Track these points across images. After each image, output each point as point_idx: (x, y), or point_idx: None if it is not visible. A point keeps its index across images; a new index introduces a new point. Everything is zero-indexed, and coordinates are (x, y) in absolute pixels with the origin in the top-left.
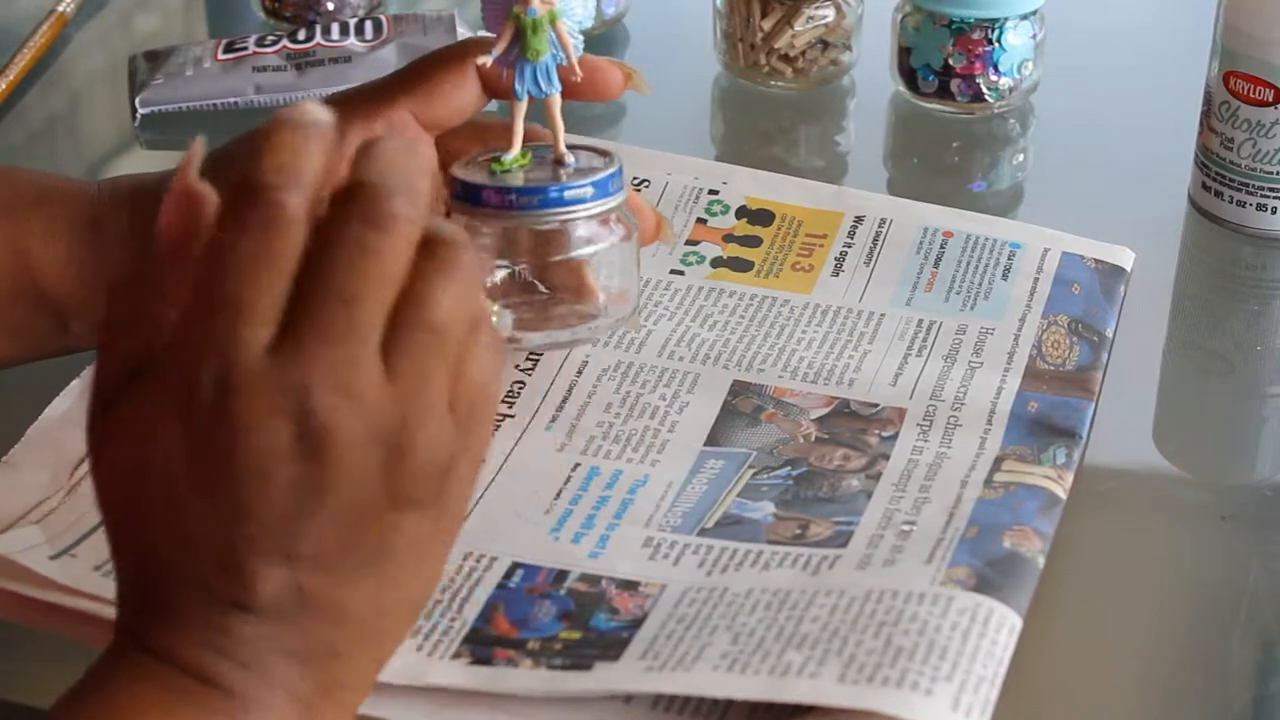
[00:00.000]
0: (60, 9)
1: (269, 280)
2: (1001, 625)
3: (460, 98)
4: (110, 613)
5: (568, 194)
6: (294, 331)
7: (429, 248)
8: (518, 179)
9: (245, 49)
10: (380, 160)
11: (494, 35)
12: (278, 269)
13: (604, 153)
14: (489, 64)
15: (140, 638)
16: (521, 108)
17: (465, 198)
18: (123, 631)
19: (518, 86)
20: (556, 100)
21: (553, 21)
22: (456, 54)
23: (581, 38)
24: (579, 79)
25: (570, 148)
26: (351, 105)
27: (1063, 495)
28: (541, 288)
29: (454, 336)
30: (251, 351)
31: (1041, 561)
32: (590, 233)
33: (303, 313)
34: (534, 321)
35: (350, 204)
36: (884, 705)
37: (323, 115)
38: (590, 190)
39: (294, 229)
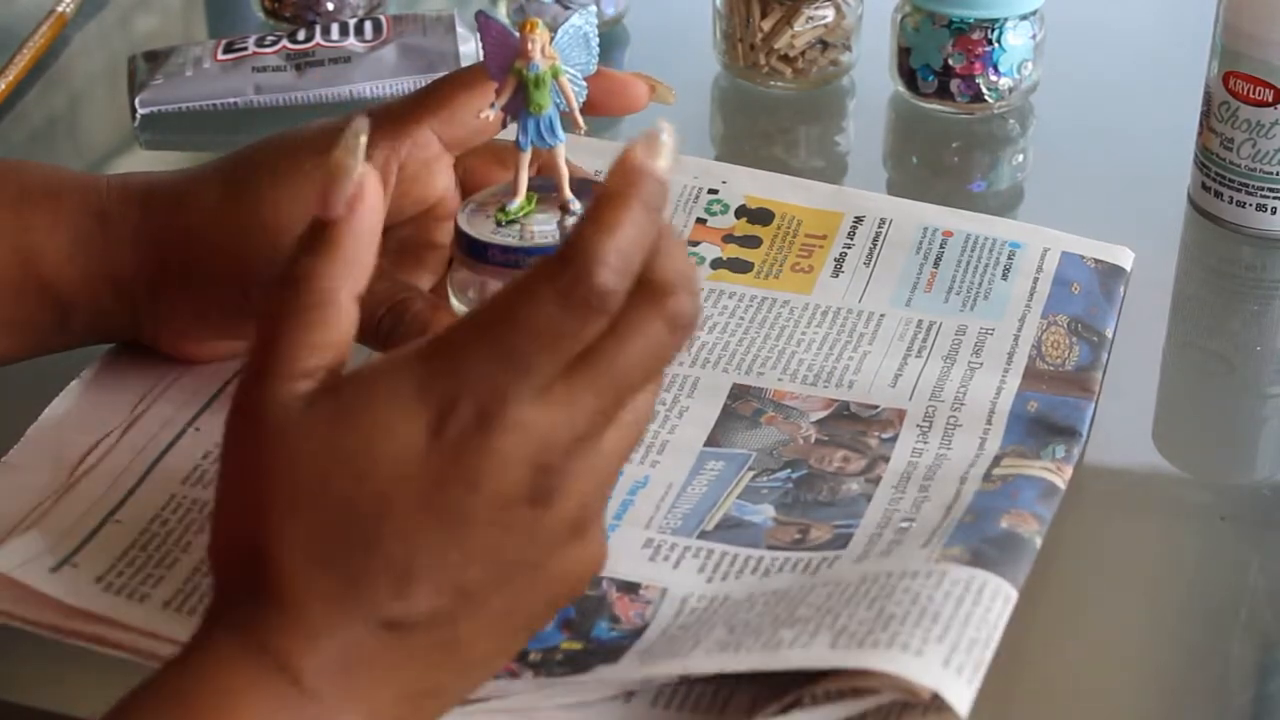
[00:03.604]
0: (60, 9)
1: (565, 352)
2: (996, 595)
3: (481, 120)
4: (111, 634)
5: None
6: (569, 394)
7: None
8: (526, 231)
9: (245, 49)
10: (686, 266)
11: (493, 75)
12: (577, 345)
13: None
14: (490, 117)
15: (247, 628)
16: (525, 158)
17: (470, 252)
18: (219, 620)
19: (521, 138)
20: (561, 151)
21: (555, 76)
22: (478, 76)
23: (585, 85)
24: (584, 132)
25: (576, 181)
26: (376, 123)
27: (1061, 485)
28: None
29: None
30: (523, 402)
31: (1039, 541)
32: None
33: (584, 382)
34: None
35: (663, 304)
36: (874, 664)
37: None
38: None
39: (608, 316)
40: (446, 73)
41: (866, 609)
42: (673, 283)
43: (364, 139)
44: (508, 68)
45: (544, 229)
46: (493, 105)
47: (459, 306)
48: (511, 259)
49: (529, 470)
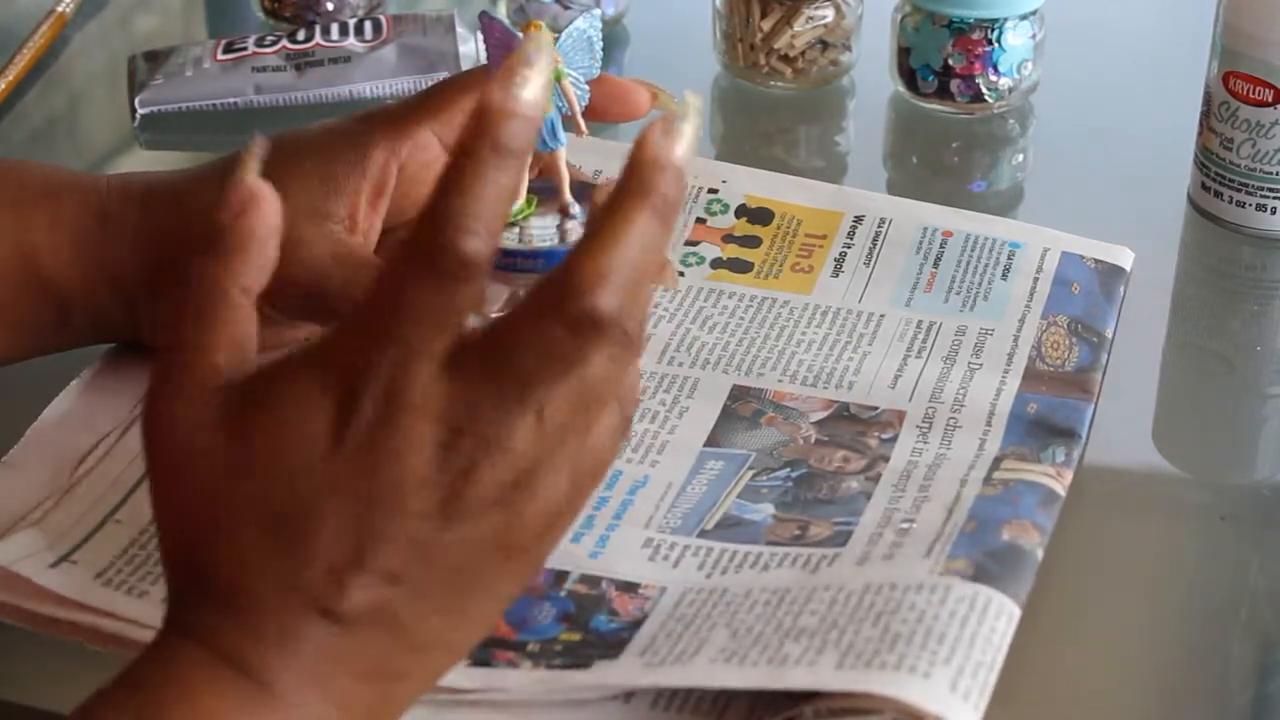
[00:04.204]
0: (60, 9)
1: (447, 327)
2: (1000, 613)
3: None
4: (110, 625)
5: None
6: (466, 374)
7: (629, 346)
8: (527, 234)
9: (245, 49)
10: (607, 262)
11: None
12: (457, 316)
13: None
14: None
15: (200, 632)
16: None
17: None
18: (176, 626)
19: None
20: (562, 154)
21: (558, 79)
22: (478, 79)
23: (587, 89)
24: (585, 134)
25: (576, 184)
26: (376, 124)
27: (1061, 492)
28: None
29: (600, 404)
30: (422, 381)
31: (1040, 554)
32: None
33: (479, 362)
34: None
35: (560, 304)
36: (881, 688)
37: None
38: None
39: (478, 280)
40: (447, 74)
41: (872, 625)
42: (579, 283)
43: (257, 160)
44: None
45: (543, 232)
46: None
47: None
48: (509, 261)
49: (433, 449)
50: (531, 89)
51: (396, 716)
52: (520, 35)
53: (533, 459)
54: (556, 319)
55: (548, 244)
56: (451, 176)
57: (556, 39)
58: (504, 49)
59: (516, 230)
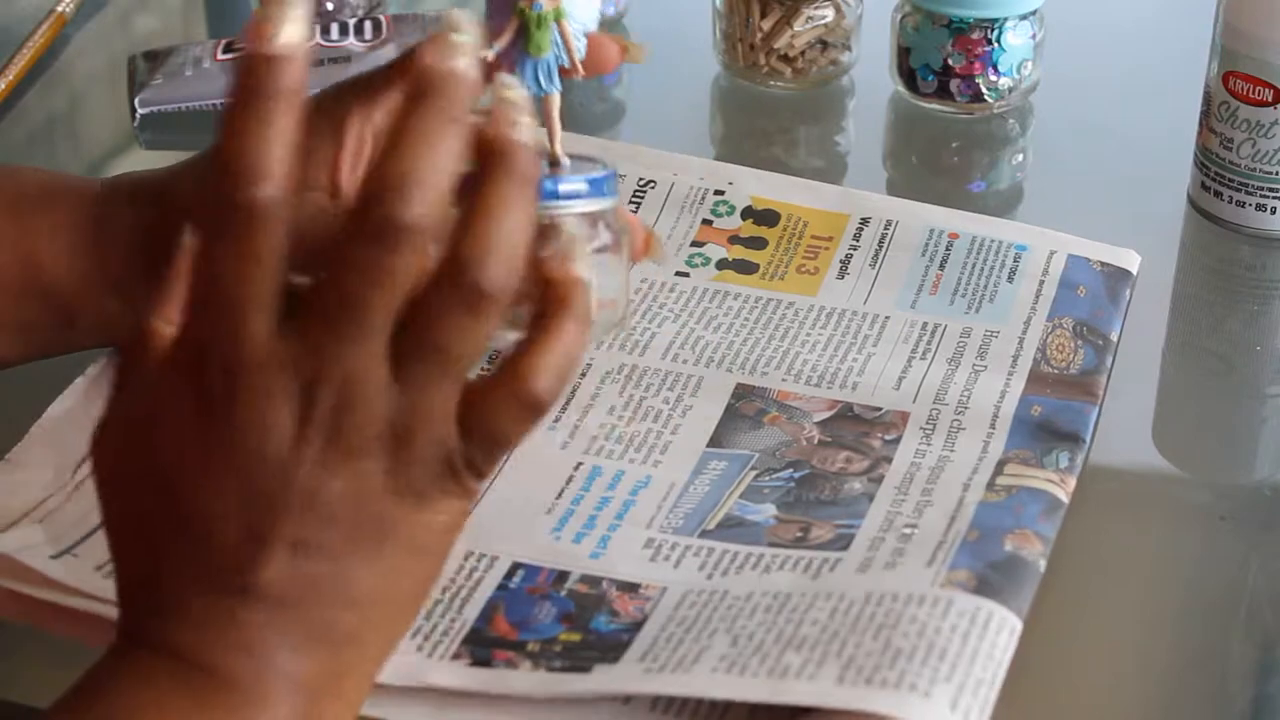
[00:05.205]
0: (60, 9)
1: (259, 275)
2: (1001, 628)
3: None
4: (110, 612)
5: (561, 187)
6: (300, 323)
7: (458, 271)
8: None
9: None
10: (407, 153)
11: (494, 27)
12: (265, 265)
13: (597, 161)
14: (490, 57)
15: (142, 633)
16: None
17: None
18: (123, 632)
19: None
20: (556, 100)
21: (557, 19)
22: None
23: (585, 40)
24: (581, 75)
25: (575, 158)
26: (349, 92)
27: (1065, 499)
28: None
29: (463, 362)
30: (256, 339)
31: (1043, 565)
32: (581, 232)
33: (308, 306)
34: (516, 322)
35: (364, 218)
36: (882, 706)
37: (288, 40)
38: (584, 186)
39: (272, 224)
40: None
41: (873, 638)
42: (375, 191)
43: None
44: (509, 11)
45: None
46: (491, 47)
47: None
48: None
49: (290, 401)
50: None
51: (363, 684)
52: None
53: (395, 392)
54: (362, 235)
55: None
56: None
57: None
58: (506, 6)
59: None
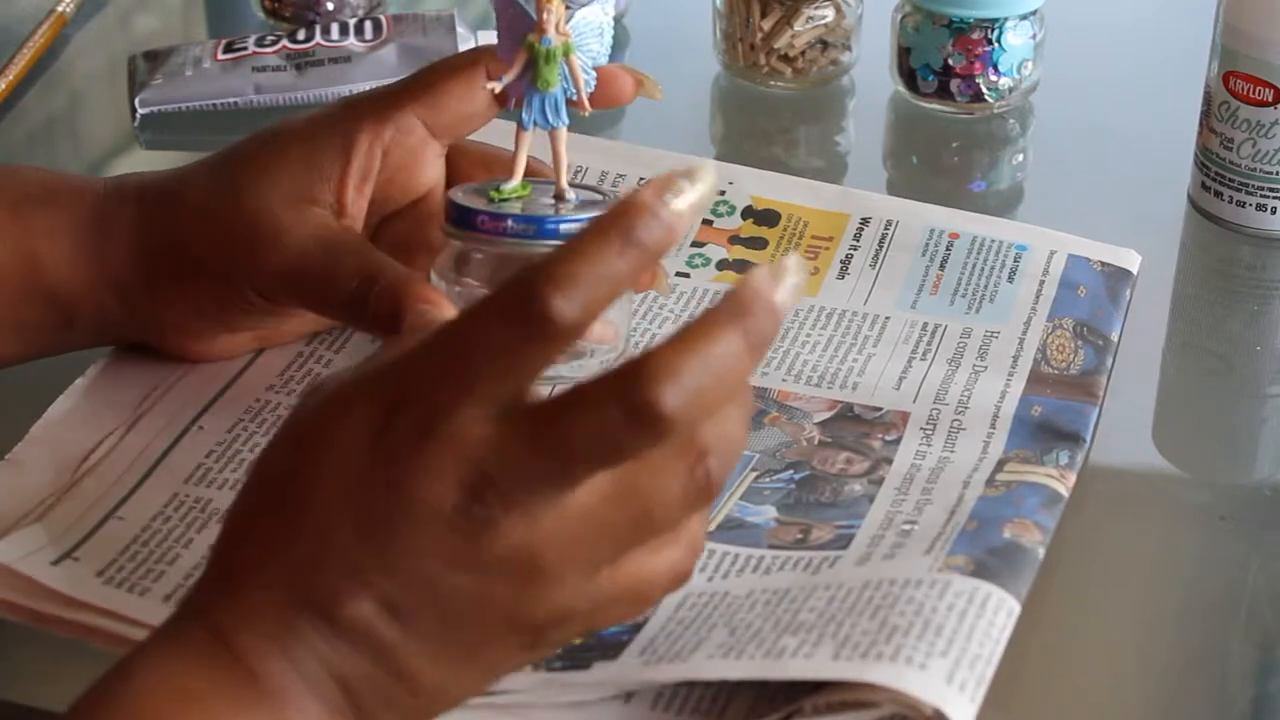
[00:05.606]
0: (60, 9)
1: (510, 379)
2: (999, 608)
3: (468, 106)
4: (111, 626)
5: (563, 227)
6: (512, 431)
7: (700, 483)
8: (515, 208)
9: (245, 49)
10: (678, 358)
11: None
12: (523, 373)
13: (603, 193)
14: (497, 90)
15: (208, 609)
16: (526, 138)
17: (460, 222)
18: (189, 606)
19: (524, 116)
20: (563, 135)
21: (566, 54)
22: (466, 62)
23: (594, 74)
24: (588, 114)
25: (571, 185)
26: (360, 109)
27: (1064, 493)
28: None
29: (656, 528)
30: (461, 418)
31: (1041, 552)
32: None
33: (528, 420)
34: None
35: (621, 388)
36: (878, 678)
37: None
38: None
39: (554, 346)
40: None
41: (870, 619)
42: (647, 371)
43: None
44: (518, 44)
45: (536, 210)
46: (500, 79)
47: (438, 283)
48: (500, 226)
49: (457, 488)
50: (682, 202)
51: None
52: (534, 15)
53: (559, 542)
54: (615, 401)
55: (540, 210)
56: (573, 242)
57: (569, 17)
58: (516, 23)
59: (510, 205)
